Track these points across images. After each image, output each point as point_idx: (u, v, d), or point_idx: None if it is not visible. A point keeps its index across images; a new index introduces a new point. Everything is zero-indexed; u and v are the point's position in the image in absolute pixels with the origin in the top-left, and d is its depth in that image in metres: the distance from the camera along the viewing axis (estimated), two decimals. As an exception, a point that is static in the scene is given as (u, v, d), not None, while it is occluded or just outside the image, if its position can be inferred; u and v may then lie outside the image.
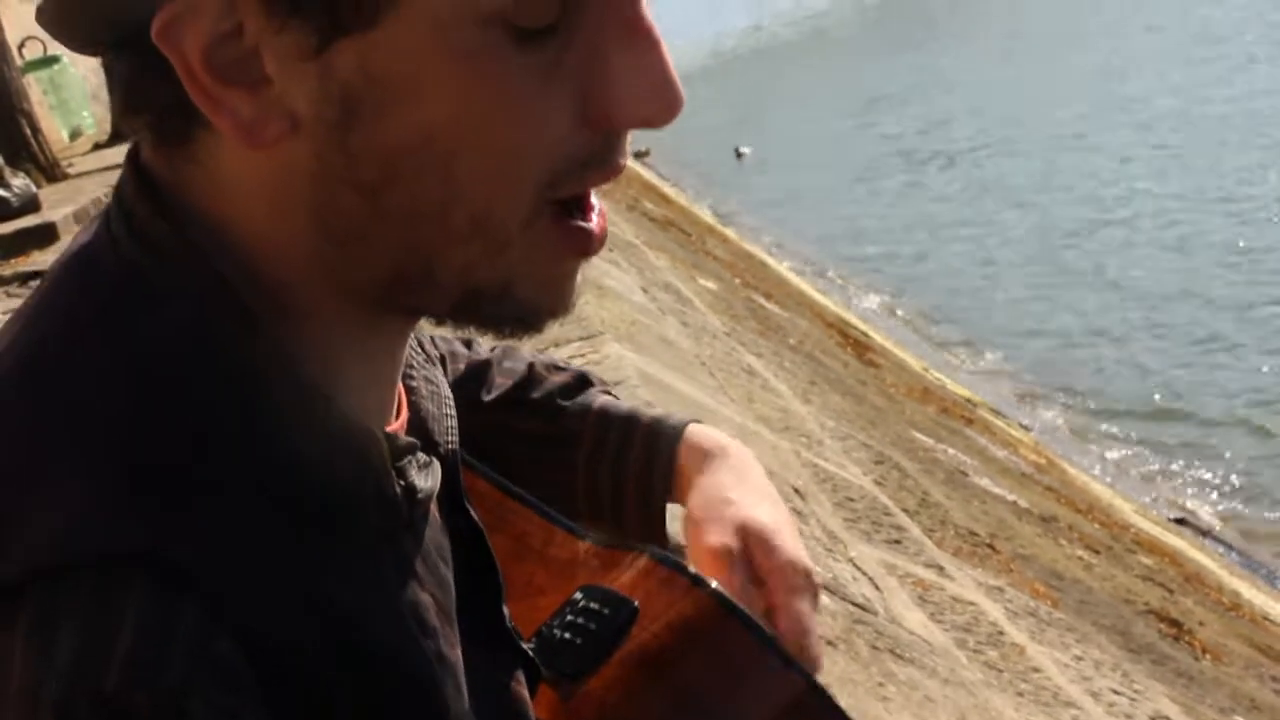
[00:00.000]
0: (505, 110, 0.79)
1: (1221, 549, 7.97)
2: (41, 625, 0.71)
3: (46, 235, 10.06)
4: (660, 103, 0.82)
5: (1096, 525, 6.96)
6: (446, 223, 0.81)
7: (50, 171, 12.78)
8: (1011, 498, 6.54)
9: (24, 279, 8.83)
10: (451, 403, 1.07)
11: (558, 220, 0.84)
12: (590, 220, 0.86)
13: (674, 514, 1.31)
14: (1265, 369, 10.09)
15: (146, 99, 0.83)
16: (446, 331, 0.98)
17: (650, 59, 0.82)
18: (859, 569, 3.76)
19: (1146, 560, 6.63)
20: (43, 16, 0.83)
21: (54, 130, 14.83)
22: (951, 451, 7.03)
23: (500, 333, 0.89)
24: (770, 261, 14.36)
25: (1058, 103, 21.52)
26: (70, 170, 13.36)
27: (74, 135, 16.20)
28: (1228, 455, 9.02)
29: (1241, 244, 12.70)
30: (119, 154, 14.64)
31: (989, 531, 5.37)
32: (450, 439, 1.03)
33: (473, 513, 1.04)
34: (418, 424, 1.00)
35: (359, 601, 0.82)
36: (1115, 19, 28.55)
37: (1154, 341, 11.12)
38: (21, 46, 15.69)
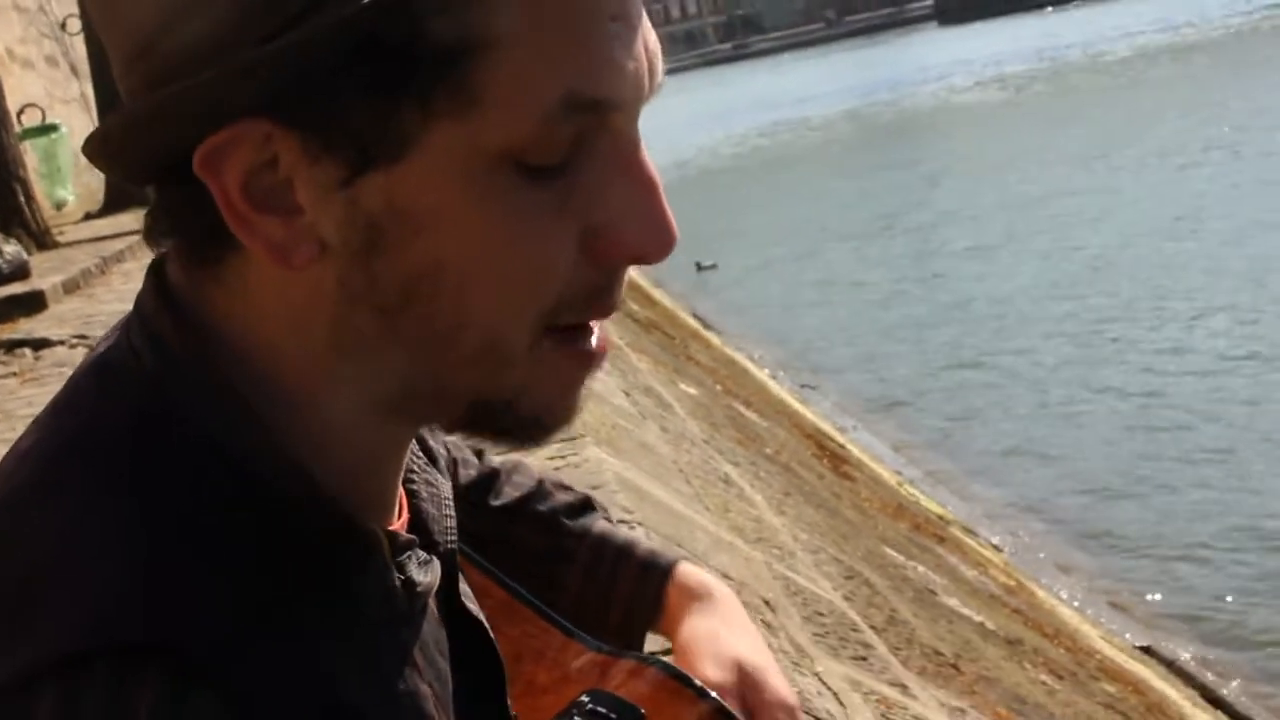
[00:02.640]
0: (516, 243, 0.85)
1: (1185, 681, 7.97)
2: (65, 704, 0.75)
3: (35, 303, 10.03)
4: (656, 241, 0.88)
5: (1062, 650, 6.94)
6: (457, 344, 0.86)
7: (41, 239, 12.79)
8: (979, 619, 6.53)
9: (10, 346, 8.82)
10: (451, 505, 1.10)
11: (561, 343, 0.89)
12: (591, 342, 0.91)
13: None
14: (1240, 501, 10.12)
15: (183, 225, 0.89)
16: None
17: (648, 200, 0.88)
18: (824, 684, 3.77)
19: (1109, 688, 6.61)
20: (91, 148, 0.88)
21: (43, 198, 14.88)
22: (922, 569, 7.02)
23: (505, 443, 0.95)
24: (751, 368, 14.40)
25: (1039, 214, 21.72)
26: (61, 239, 13.39)
27: (58, 205, 16.25)
28: (1199, 585, 9.05)
29: (1216, 384, 12.71)
30: (110, 224, 14.77)
31: (954, 652, 5.38)
32: (449, 539, 1.06)
33: (471, 607, 1.08)
34: (418, 524, 1.03)
35: (361, 691, 0.86)
36: (1081, 142, 28.82)
37: (1128, 469, 11.15)
38: (20, 114, 15.77)
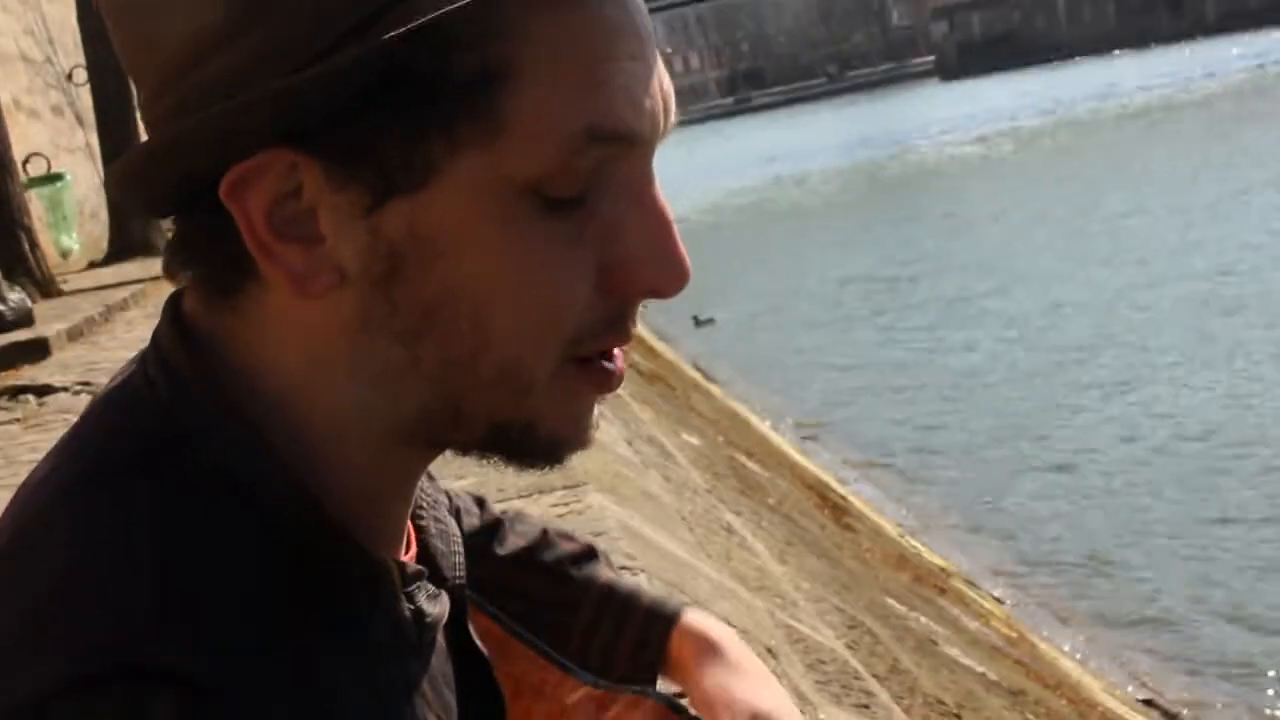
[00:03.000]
0: (533, 273, 0.87)
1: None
2: None
3: (39, 350, 10.05)
4: (669, 275, 0.91)
5: (1064, 701, 6.90)
6: (476, 370, 0.88)
7: (45, 287, 12.83)
8: (981, 669, 6.50)
9: (14, 393, 8.83)
10: (460, 542, 1.12)
11: (580, 369, 0.92)
12: (611, 362, 0.94)
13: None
14: (1243, 555, 10.10)
15: (203, 254, 0.91)
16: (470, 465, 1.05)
17: (662, 236, 0.91)
18: None
19: None
20: (114, 178, 0.90)
21: (49, 246, 14.93)
22: (924, 620, 7.00)
23: (522, 465, 0.94)
24: (753, 420, 14.40)
25: (1045, 275, 21.68)
26: (64, 287, 13.42)
27: (64, 254, 16.31)
28: (1201, 639, 9.02)
29: (1222, 441, 12.69)
30: (114, 273, 14.79)
31: (957, 701, 5.34)
32: (458, 574, 1.08)
33: (478, 643, 1.10)
34: (426, 560, 1.05)
35: (369, 718, 0.87)
36: (1087, 196, 28.87)
37: (1129, 523, 11.13)
38: (26, 163, 15.83)
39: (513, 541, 1.40)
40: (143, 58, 0.88)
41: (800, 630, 4.84)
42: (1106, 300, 19.04)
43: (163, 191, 0.89)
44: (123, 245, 16.94)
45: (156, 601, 0.80)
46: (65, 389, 8.62)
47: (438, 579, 1.03)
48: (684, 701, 1.24)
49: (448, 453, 0.97)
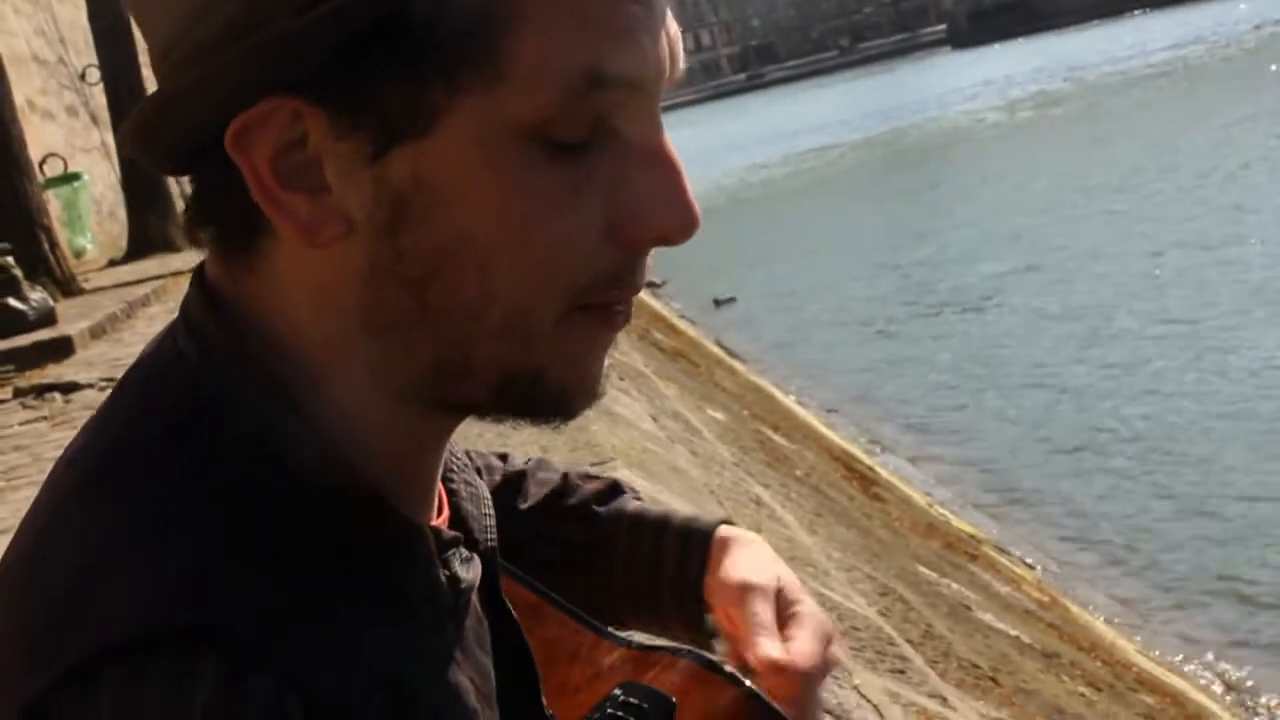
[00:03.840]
0: (539, 218, 0.87)
1: (1221, 690, 7.92)
2: (125, 693, 0.77)
3: (62, 349, 10.14)
4: (678, 221, 0.91)
5: (1099, 663, 6.88)
6: (484, 317, 0.88)
7: (66, 286, 12.90)
8: (1014, 633, 6.48)
9: (40, 391, 8.89)
10: (490, 504, 1.12)
11: (588, 317, 0.92)
12: (616, 311, 0.94)
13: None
14: (1269, 514, 10.06)
15: (214, 209, 0.91)
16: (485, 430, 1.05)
17: (670, 181, 0.90)
18: (864, 696, 3.76)
19: (1149, 699, 6.56)
20: (127, 134, 0.90)
21: (65, 245, 15.00)
22: (955, 586, 6.98)
23: (536, 420, 0.94)
24: (777, 394, 14.37)
25: (1070, 243, 21.49)
26: (85, 285, 13.47)
27: (77, 254, 16.39)
28: (1234, 601, 8.98)
29: (1258, 407, 12.59)
30: (134, 270, 14.84)
31: (991, 665, 5.34)
32: (489, 537, 1.08)
33: (509, 606, 1.10)
34: (457, 523, 1.05)
35: (410, 678, 0.87)
36: (1106, 161, 28.63)
37: (1161, 484, 11.09)
38: (43, 163, 15.89)
39: (535, 492, 1.40)
40: (153, 12, 0.89)
41: (833, 599, 4.81)
42: (1137, 268, 18.79)
43: (172, 146, 0.90)
44: (142, 243, 17.02)
45: (201, 565, 0.81)
46: (90, 386, 8.67)
47: (469, 542, 1.03)
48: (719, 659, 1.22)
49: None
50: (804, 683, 1.17)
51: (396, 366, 0.91)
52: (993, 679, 5.08)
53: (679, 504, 4.94)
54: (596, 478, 1.43)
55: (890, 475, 11.15)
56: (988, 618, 6.55)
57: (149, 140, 0.90)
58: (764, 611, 1.21)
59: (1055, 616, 7.77)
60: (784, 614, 1.23)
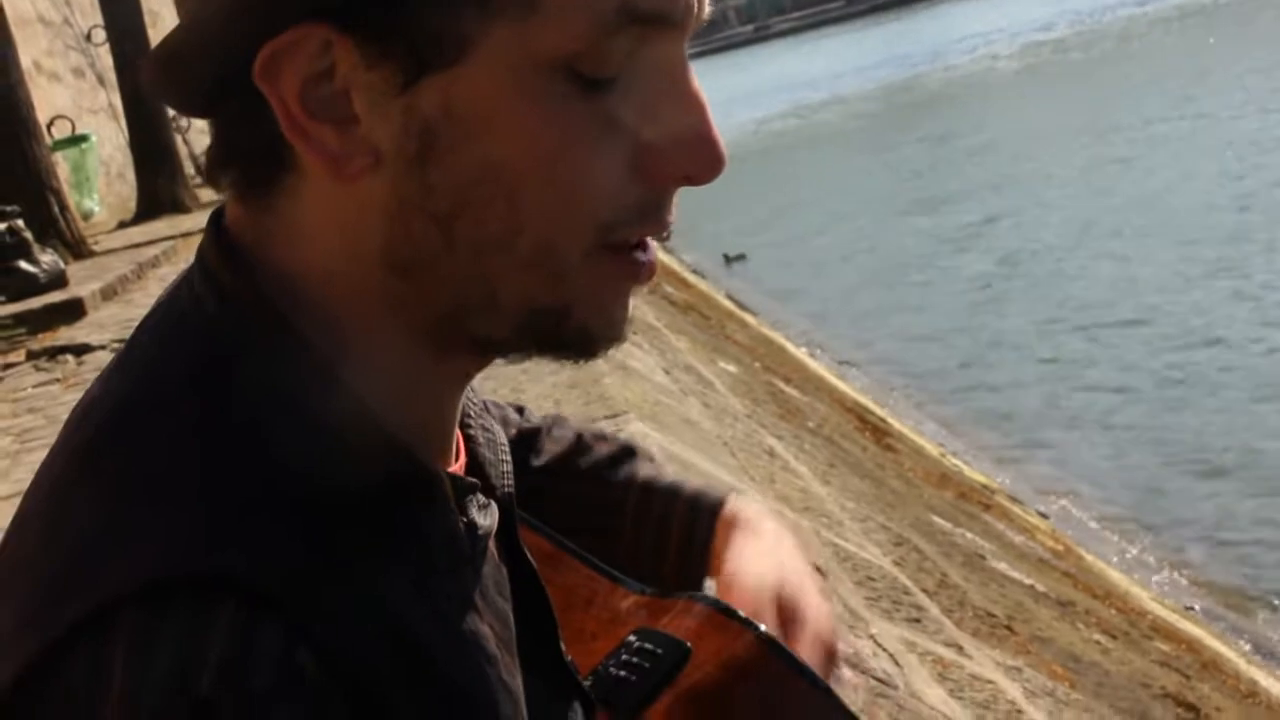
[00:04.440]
0: (567, 150, 0.86)
1: (1239, 637, 7.93)
2: (140, 638, 0.77)
3: (74, 311, 10.17)
4: (704, 160, 0.91)
5: (1113, 611, 6.90)
6: (511, 251, 0.88)
7: (77, 248, 12.91)
8: (1029, 582, 6.50)
9: (52, 353, 8.91)
10: (507, 450, 1.12)
11: (614, 255, 0.92)
12: (642, 255, 0.93)
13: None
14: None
15: (238, 146, 0.91)
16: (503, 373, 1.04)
17: (696, 119, 0.91)
18: (880, 645, 3.80)
19: (1164, 646, 6.57)
20: (149, 72, 0.90)
21: (74, 207, 15.01)
22: (969, 535, 6.99)
23: (558, 356, 0.94)
24: (789, 347, 14.36)
25: (1086, 192, 21.32)
26: (96, 248, 13.49)
27: (85, 216, 16.38)
28: (1248, 549, 8.98)
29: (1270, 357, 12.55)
30: (144, 232, 14.86)
31: (1007, 613, 5.36)
32: (506, 483, 1.08)
33: (527, 553, 1.10)
34: (474, 469, 1.05)
35: (425, 627, 0.87)
36: (1127, 106, 28.34)
37: (1176, 434, 11.07)
38: (50, 125, 15.87)
39: (549, 449, 1.40)
40: None
41: (847, 549, 4.86)
42: (1155, 218, 18.60)
43: (197, 82, 0.89)
44: (151, 204, 17.00)
45: (216, 513, 0.81)
46: (102, 347, 8.69)
47: (486, 488, 1.02)
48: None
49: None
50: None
51: (420, 304, 0.90)
52: (1008, 627, 5.10)
53: (693, 456, 4.96)
54: (610, 440, 1.43)
55: (903, 426, 11.15)
56: (1002, 566, 6.57)
57: (172, 78, 0.90)
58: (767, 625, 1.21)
59: (1069, 565, 7.78)
60: (785, 614, 1.23)
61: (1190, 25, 44.29)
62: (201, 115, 0.93)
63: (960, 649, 4.29)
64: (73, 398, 7.78)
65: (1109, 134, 25.76)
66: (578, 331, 0.93)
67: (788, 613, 1.24)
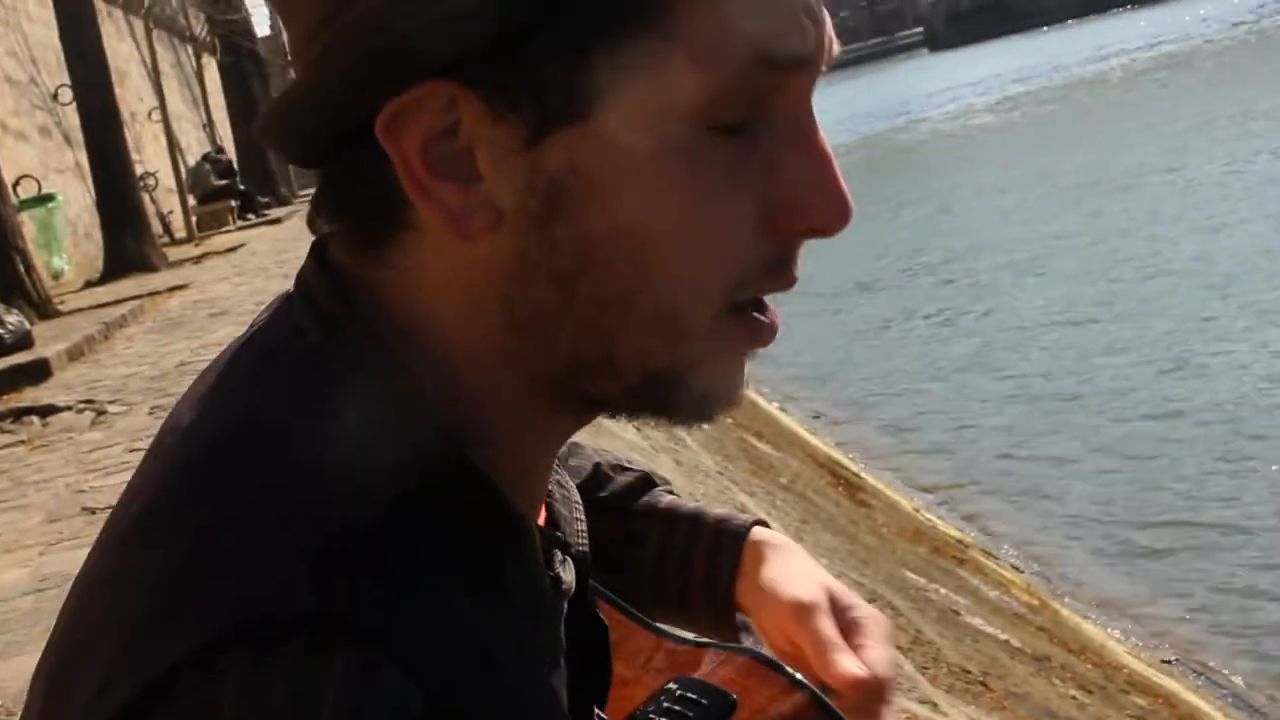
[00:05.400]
0: (697, 206, 0.83)
1: (1216, 691, 7.90)
2: (251, 679, 0.74)
3: (39, 372, 10.16)
4: (833, 212, 0.87)
5: (1089, 665, 6.89)
6: (632, 311, 0.85)
7: (43, 308, 12.89)
8: (1004, 637, 6.50)
9: (17, 415, 8.88)
10: (581, 507, 1.10)
11: (737, 315, 0.88)
12: (767, 316, 0.90)
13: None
14: (1266, 515, 10.05)
15: (353, 202, 0.89)
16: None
17: (824, 170, 0.87)
18: None
19: (1140, 700, 6.56)
20: (264, 125, 0.89)
21: (41, 268, 14.96)
22: (944, 591, 6.99)
23: (674, 421, 0.91)
24: (761, 402, 14.38)
25: (1054, 245, 21.40)
26: (62, 307, 13.45)
27: (55, 275, 16.33)
28: (1225, 601, 8.97)
29: (1243, 400, 12.59)
30: (110, 291, 14.84)
31: (982, 669, 5.37)
32: (581, 540, 1.07)
33: (599, 613, 1.08)
34: (552, 524, 1.04)
35: (521, 680, 0.85)
36: (1093, 161, 28.54)
37: (1150, 486, 11.08)
38: (16, 185, 15.86)
39: None
40: (294, 1, 0.87)
41: None
42: (1122, 269, 18.71)
43: (313, 135, 0.87)
44: (118, 264, 17.01)
45: (327, 553, 0.79)
46: (69, 408, 8.67)
47: (563, 545, 1.01)
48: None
49: None
50: (889, 690, 1.17)
51: (536, 361, 0.88)
52: (983, 683, 5.11)
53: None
54: (629, 469, 1.41)
55: (875, 481, 11.15)
56: (977, 622, 6.57)
57: (286, 129, 0.88)
58: (828, 628, 1.20)
59: (1045, 619, 7.77)
60: (843, 623, 1.22)
61: (1149, 80, 44.84)
62: (314, 166, 0.90)
63: (935, 706, 4.29)
64: (38, 459, 7.79)
65: (1075, 187, 25.96)
66: (695, 396, 0.90)
67: (842, 613, 1.23)
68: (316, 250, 0.93)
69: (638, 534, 1.36)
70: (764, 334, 0.90)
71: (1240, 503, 10.23)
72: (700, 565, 1.32)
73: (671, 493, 1.41)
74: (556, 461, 1.07)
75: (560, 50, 0.80)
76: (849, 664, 1.16)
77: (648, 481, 1.40)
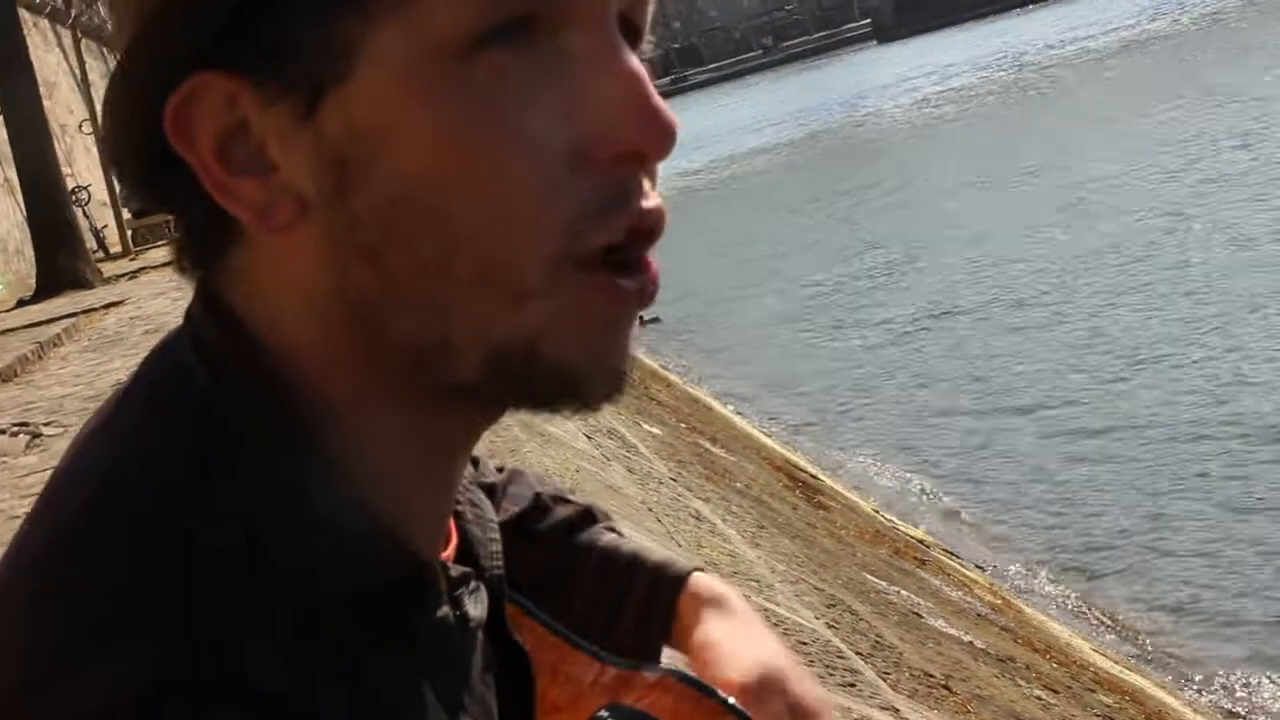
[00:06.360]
0: (485, 144, 0.78)
1: (1183, 685, 7.88)
2: None
3: (-26, 393, 9.97)
4: (647, 129, 0.81)
5: (1055, 664, 6.90)
6: (452, 275, 0.80)
7: (-25, 329, 12.72)
8: (967, 638, 6.50)
9: (-47, 435, 8.74)
10: (496, 527, 1.08)
11: (586, 273, 0.81)
12: (637, 277, 0.83)
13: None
14: (1228, 502, 10.05)
15: (184, 219, 0.87)
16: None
17: (632, 87, 0.81)
18: None
19: (1107, 699, 6.58)
20: (105, 151, 0.88)
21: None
22: (905, 593, 6.98)
23: (544, 406, 0.86)
24: (715, 405, 14.35)
25: (1009, 239, 21.43)
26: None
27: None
28: (1190, 593, 8.95)
29: (1210, 397, 12.58)
30: (44, 309, 14.69)
31: (945, 672, 5.34)
32: (495, 564, 1.04)
33: (518, 637, 1.06)
34: (464, 550, 1.01)
35: None
36: (1043, 149, 28.68)
37: (1109, 478, 11.09)
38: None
39: (505, 508, 1.33)
40: (115, 23, 0.86)
41: (778, 613, 4.84)
42: (1080, 262, 18.71)
43: (128, 148, 0.86)
44: (51, 281, 16.88)
45: (209, 613, 0.76)
46: (2, 432, 8.59)
47: (476, 570, 0.99)
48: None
49: None
50: None
51: (380, 356, 0.84)
52: (946, 687, 5.08)
53: (616, 524, 4.83)
54: (570, 502, 1.38)
55: (834, 482, 11.13)
56: (939, 624, 6.56)
57: (112, 151, 0.87)
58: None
59: (1008, 619, 7.81)
60: (793, 699, 1.19)
61: (1097, 66, 45.11)
62: (154, 199, 0.89)
63: (897, 712, 4.25)
64: (-26, 484, 7.62)
65: (1027, 178, 26.09)
66: (554, 370, 0.83)
67: (773, 683, 1.19)
68: (200, 279, 0.90)
69: (570, 569, 1.32)
70: (627, 296, 0.83)
71: (1209, 498, 10.23)
72: (633, 607, 1.29)
73: (613, 529, 1.37)
74: (469, 481, 1.06)
75: (308, 13, 0.78)
76: None
77: (589, 517, 1.36)
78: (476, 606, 0.95)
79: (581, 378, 0.84)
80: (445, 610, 0.90)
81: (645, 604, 1.28)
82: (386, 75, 0.78)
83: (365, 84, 0.79)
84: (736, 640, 1.22)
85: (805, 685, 1.20)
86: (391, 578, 0.84)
